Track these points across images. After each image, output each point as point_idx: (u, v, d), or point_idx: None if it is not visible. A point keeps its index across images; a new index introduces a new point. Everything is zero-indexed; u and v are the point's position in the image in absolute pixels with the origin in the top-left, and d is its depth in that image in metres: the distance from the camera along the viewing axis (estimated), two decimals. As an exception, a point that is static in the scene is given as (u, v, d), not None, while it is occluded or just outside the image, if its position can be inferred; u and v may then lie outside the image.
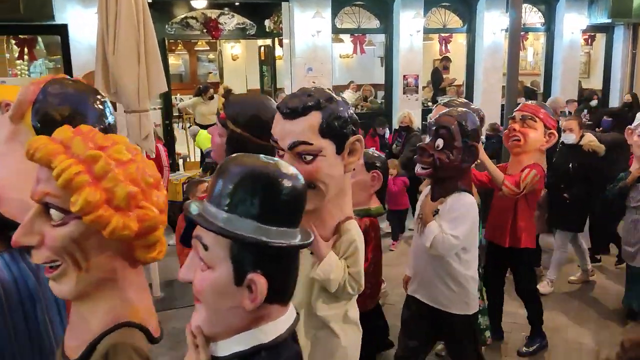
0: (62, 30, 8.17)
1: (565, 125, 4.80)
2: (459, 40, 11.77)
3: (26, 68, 10.38)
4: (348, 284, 1.80)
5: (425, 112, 10.40)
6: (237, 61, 14.33)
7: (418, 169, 2.61)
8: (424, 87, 11.00)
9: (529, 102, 3.72)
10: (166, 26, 9.66)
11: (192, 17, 10.12)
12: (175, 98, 12.23)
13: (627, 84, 11.70)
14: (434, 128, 2.55)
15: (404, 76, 10.09)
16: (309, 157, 1.65)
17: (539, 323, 3.89)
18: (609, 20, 10.82)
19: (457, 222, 2.50)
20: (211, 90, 9.81)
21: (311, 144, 1.64)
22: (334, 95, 1.76)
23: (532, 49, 13.19)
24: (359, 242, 1.84)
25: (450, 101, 3.35)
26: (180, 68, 14.35)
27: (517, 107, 3.67)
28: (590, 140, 4.61)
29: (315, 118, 1.66)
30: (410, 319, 2.84)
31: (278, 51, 11.97)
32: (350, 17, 10.10)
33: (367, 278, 1.96)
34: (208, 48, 14.08)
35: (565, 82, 11.16)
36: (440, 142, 2.49)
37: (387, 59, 10.38)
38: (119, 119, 5.93)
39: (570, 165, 4.63)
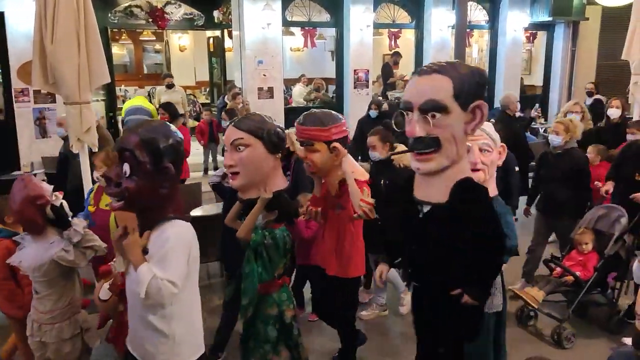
0: (-2, 17, 7.76)
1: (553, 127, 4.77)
2: (408, 36, 11.93)
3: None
4: None
5: (375, 106, 10.50)
6: (185, 52, 14.00)
7: (113, 202, 2.06)
8: (373, 82, 11.09)
9: (304, 124, 3.10)
10: (109, 14, 9.33)
11: (136, 6, 9.81)
12: (120, 89, 11.84)
13: (566, 81, 12.18)
14: (117, 150, 2.04)
15: (355, 70, 10.13)
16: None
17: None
18: (550, 19, 11.22)
19: (166, 261, 1.98)
20: (169, 79, 9.32)
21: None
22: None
23: (477, 46, 13.51)
24: None
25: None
26: (124, 58, 13.87)
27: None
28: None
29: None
30: None
31: (228, 43, 11.77)
32: (300, 10, 10.04)
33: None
34: (154, 38, 13.67)
35: (509, 78, 11.50)
36: (126, 168, 1.97)
37: (338, 53, 10.39)
38: (59, 110, 5.66)
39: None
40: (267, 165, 2.71)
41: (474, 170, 2.41)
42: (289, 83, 11.47)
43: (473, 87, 1.95)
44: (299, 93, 11.08)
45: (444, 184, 2.02)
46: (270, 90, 9.46)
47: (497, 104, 9.49)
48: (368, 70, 10.23)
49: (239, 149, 2.66)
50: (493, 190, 2.54)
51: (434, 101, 1.93)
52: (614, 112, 6.50)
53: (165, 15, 9.78)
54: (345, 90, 10.32)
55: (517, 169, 4.72)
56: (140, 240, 2.02)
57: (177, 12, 9.96)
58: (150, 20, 9.83)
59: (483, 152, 2.54)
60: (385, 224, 2.68)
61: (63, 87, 3.79)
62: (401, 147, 4.00)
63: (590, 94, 8.92)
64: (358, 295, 3.64)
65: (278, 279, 2.75)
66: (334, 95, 10.82)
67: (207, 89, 13.60)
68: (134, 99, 7.91)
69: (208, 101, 12.72)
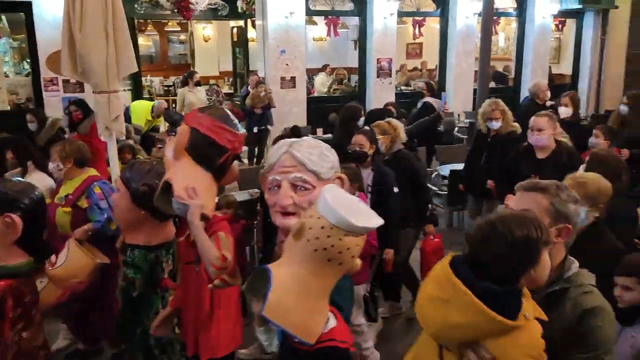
0: (26, 7, 7.89)
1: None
2: (432, 24, 11.79)
3: (-11, 47, 10.01)
4: None
5: (399, 96, 10.44)
6: (208, 43, 14.07)
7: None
8: (397, 71, 10.99)
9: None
10: (135, 5, 9.41)
11: (162, -4, 9.87)
12: (146, 80, 11.96)
13: (596, 70, 11.91)
14: None
15: (378, 60, 10.06)
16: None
17: None
18: (580, 6, 10.97)
19: None
20: (197, 75, 8.79)
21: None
22: None
23: (504, 34, 13.28)
24: None
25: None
26: (150, 49, 14.00)
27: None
28: None
29: None
30: None
31: (251, 33, 11.79)
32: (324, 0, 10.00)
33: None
34: (179, 29, 13.76)
35: (536, 67, 11.31)
36: None
37: (361, 42, 10.33)
38: (87, 99, 5.70)
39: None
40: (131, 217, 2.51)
41: (285, 214, 1.55)
42: (311, 73, 11.45)
43: None
44: (321, 83, 11.06)
45: None
46: (293, 79, 9.46)
47: (525, 93, 9.36)
48: (391, 59, 10.14)
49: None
50: None
51: None
52: (563, 111, 5.82)
53: (191, 5, 9.82)
54: (368, 80, 10.26)
55: (395, 189, 3.87)
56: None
57: (202, 2, 9.99)
58: (176, 10, 9.88)
59: (298, 190, 1.57)
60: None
61: (92, 76, 3.84)
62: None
63: None
64: None
65: None
66: (357, 84, 10.77)
67: (231, 79, 13.66)
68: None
69: (232, 91, 12.78)
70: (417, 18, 11.38)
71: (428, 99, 7.66)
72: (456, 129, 9.13)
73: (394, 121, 4.56)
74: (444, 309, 1.46)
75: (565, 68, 12.67)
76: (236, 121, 2.05)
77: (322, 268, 1.28)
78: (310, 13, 10.03)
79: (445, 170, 6.39)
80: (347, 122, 5.43)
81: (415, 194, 4.16)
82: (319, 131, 8.82)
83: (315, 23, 12.44)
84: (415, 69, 13.50)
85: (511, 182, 2.13)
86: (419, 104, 7.79)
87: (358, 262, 1.34)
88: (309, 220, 1.29)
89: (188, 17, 10.18)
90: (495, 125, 4.90)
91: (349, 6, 10.20)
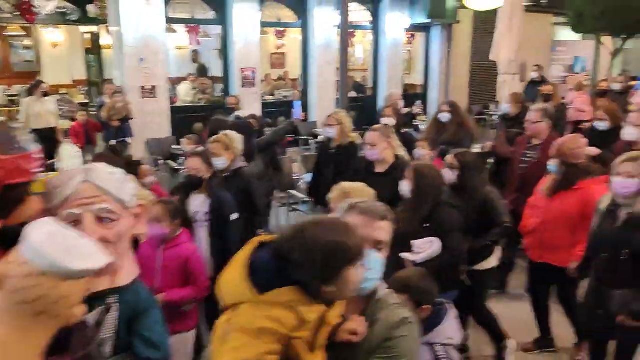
0: None
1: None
2: (294, 35, 12.03)
3: None
4: None
5: (265, 105, 10.50)
6: (58, 49, 13.04)
7: None
8: (262, 80, 11.05)
9: None
10: (-32, 7, 8.45)
11: (0, -2, 8.99)
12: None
13: (443, 80, 12.95)
14: None
15: (242, 69, 10.03)
16: None
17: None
18: (428, 21, 11.86)
19: None
20: (44, 85, 7.98)
21: None
22: None
23: (362, 46, 13.96)
24: None
25: None
26: (-13, 55, 12.68)
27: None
28: None
29: None
30: None
31: (106, 39, 11.14)
32: (183, 7, 9.76)
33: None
34: (24, 33, 12.61)
35: (391, 77, 12.01)
36: None
37: (224, 52, 10.23)
38: None
39: None
40: None
41: None
42: (174, 82, 11.11)
43: None
44: (185, 92, 10.78)
45: None
46: (154, 89, 9.08)
47: (382, 103, 9.89)
48: (255, 69, 10.17)
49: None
50: (131, 274, 1.49)
51: None
52: (443, 117, 5.75)
53: (34, 8, 9.04)
54: (233, 90, 10.18)
55: (234, 216, 3.66)
56: None
57: (48, 5, 9.25)
58: (18, 13, 9.04)
59: (104, 222, 1.38)
60: None
61: None
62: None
63: None
64: None
65: None
66: (222, 94, 10.64)
67: (85, 89, 12.79)
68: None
69: (87, 101, 11.97)
70: (279, 29, 11.55)
71: (239, 112, 7.24)
72: (320, 137, 9.37)
73: (232, 134, 4.19)
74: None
75: (416, 79, 13.61)
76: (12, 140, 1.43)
77: (30, 324, 1.02)
78: (169, 21, 9.72)
79: (309, 177, 6.51)
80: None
81: (250, 218, 3.98)
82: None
83: (174, 31, 12.09)
84: (280, 78, 13.68)
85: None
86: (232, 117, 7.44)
87: (80, 310, 1.09)
88: (10, 267, 1.01)
89: (31, 21, 9.37)
90: (330, 132, 4.99)
91: (211, 15, 10.06)
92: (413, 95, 12.45)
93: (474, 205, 3.55)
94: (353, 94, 11.61)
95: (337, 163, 4.95)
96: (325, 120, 5.02)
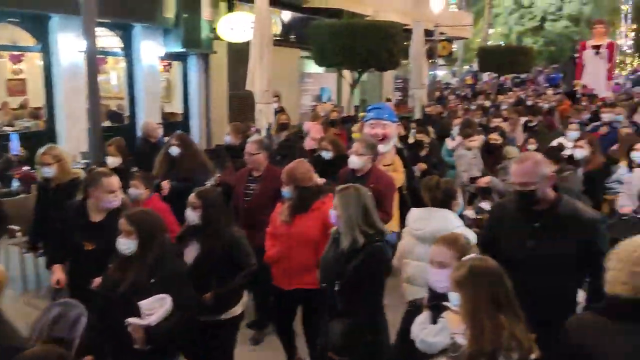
0: None
1: None
2: (35, 60, 10.82)
3: None
4: None
5: (3, 137, 9.16)
6: None
7: None
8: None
9: None
10: None
11: None
12: None
13: (203, 108, 12.99)
14: None
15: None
16: None
17: None
18: (184, 50, 11.79)
19: None
20: None
21: None
22: None
23: (116, 73, 13.24)
24: None
25: None
26: None
27: None
28: None
29: None
30: None
31: None
32: None
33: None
34: None
35: (149, 106, 11.61)
36: None
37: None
38: None
39: None
40: None
41: None
42: None
43: None
44: None
45: None
46: None
47: (139, 133, 9.48)
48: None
49: None
50: None
51: None
52: (173, 150, 5.76)
53: None
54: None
55: None
56: None
57: None
58: None
59: None
60: None
61: None
62: None
63: None
64: None
65: None
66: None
67: None
68: None
69: None
70: (14, 53, 10.27)
71: None
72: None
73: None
74: None
75: (176, 107, 13.42)
76: None
77: None
78: None
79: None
80: None
81: None
82: None
83: None
84: (21, 107, 12.13)
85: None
86: None
87: None
88: None
89: None
90: (48, 171, 4.61)
91: None
92: (174, 123, 12.24)
93: (220, 246, 3.45)
94: (108, 123, 10.91)
95: (55, 204, 4.39)
96: (39, 159, 4.48)
